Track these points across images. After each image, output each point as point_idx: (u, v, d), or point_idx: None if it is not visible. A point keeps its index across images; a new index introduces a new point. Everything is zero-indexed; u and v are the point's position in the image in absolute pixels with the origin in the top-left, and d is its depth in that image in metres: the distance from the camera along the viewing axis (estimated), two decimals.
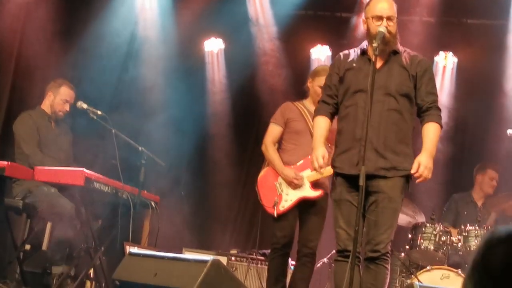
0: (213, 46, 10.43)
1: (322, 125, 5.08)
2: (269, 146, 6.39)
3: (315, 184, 6.21)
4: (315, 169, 5.00)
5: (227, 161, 10.18)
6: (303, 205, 6.22)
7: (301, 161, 6.25)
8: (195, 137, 9.84)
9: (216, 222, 10.23)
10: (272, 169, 6.34)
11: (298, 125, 6.35)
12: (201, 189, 10.22)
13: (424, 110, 4.93)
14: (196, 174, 10.25)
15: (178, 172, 9.77)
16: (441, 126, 4.96)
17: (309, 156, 6.20)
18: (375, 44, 4.63)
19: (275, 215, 6.16)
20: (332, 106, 5.08)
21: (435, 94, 4.98)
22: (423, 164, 4.73)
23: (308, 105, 6.43)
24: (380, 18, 4.81)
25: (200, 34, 10.18)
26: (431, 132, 4.89)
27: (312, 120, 6.25)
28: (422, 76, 4.93)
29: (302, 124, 6.34)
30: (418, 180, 4.80)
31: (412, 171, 4.75)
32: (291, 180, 6.17)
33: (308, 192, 6.20)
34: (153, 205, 7.12)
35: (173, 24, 9.62)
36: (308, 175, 6.20)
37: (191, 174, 10.22)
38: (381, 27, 4.74)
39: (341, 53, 5.15)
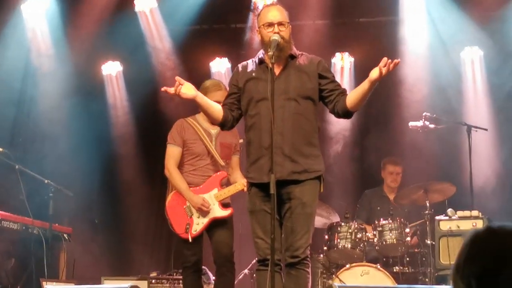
0: (111, 69, 10.31)
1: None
2: (172, 170, 6.27)
3: (223, 203, 6.23)
4: None
5: (138, 182, 10.08)
6: (212, 223, 6.21)
7: (206, 182, 6.24)
8: (102, 162, 9.71)
9: (134, 245, 10.11)
10: (179, 193, 6.28)
11: (196, 147, 6.25)
12: (115, 213, 10.08)
13: (340, 92, 4.96)
14: (108, 199, 10.10)
15: (89, 199, 9.61)
16: None
17: (214, 176, 6.22)
18: (270, 53, 4.68)
19: (190, 239, 6.10)
20: (230, 109, 5.08)
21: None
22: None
23: (202, 121, 6.35)
24: (271, 24, 4.87)
25: (96, 59, 10.06)
26: None
27: (208, 137, 6.25)
28: (326, 75, 5.01)
29: (200, 145, 6.25)
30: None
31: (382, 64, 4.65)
32: (199, 207, 6.14)
33: (219, 212, 6.18)
34: (66, 237, 7.00)
35: (68, 51, 9.46)
36: (216, 194, 6.19)
37: (103, 199, 10.07)
38: (274, 35, 4.79)
39: (239, 65, 5.18)
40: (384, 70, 4.63)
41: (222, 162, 6.27)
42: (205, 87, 6.22)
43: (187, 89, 4.88)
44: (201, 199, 6.13)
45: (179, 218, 6.19)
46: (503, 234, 2.01)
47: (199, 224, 6.14)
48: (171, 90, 4.85)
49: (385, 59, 4.65)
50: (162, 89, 4.95)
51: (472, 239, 2.04)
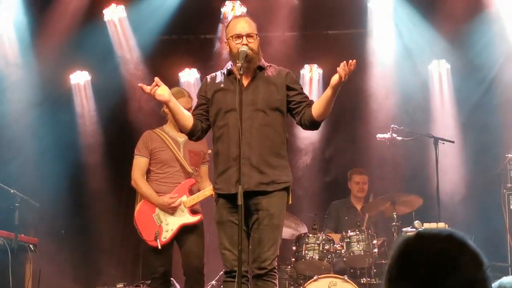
0: (79, 78, 10.23)
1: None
2: (138, 180, 6.30)
3: (193, 210, 6.23)
4: None
5: (105, 192, 10.00)
6: (182, 231, 6.20)
7: (175, 189, 6.24)
8: (69, 172, 9.63)
9: (100, 256, 10.03)
10: (147, 202, 6.27)
11: (163, 155, 6.29)
12: (81, 224, 9.99)
13: (307, 104, 4.97)
14: (75, 209, 10.01)
15: (55, 209, 9.51)
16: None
17: (183, 183, 6.22)
18: (238, 64, 4.70)
19: (159, 247, 6.10)
20: (200, 120, 5.08)
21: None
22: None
23: (169, 130, 6.40)
24: (239, 36, 4.90)
25: (64, 68, 9.97)
26: None
27: (176, 145, 6.26)
28: (294, 86, 5.03)
29: (167, 153, 6.29)
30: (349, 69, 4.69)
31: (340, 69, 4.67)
32: (168, 206, 6.14)
33: (188, 218, 6.20)
34: (32, 248, 6.93)
35: (36, 60, 9.37)
36: (185, 201, 6.20)
37: (69, 210, 9.96)
38: (243, 47, 4.81)
39: (208, 76, 5.19)
40: (343, 74, 4.66)
41: (190, 169, 6.29)
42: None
43: (163, 91, 4.91)
44: (167, 197, 6.16)
45: (148, 226, 6.19)
46: (435, 239, 1.91)
47: (168, 231, 6.15)
48: (147, 88, 4.87)
49: (343, 63, 4.69)
50: (139, 84, 4.99)
51: (402, 248, 1.93)
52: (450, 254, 1.87)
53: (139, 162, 6.33)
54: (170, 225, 6.16)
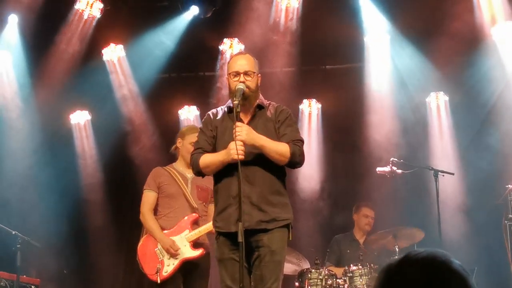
0: (79, 118, 10.29)
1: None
2: (146, 214, 6.36)
3: (195, 244, 6.23)
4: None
5: (106, 230, 9.99)
6: (186, 268, 6.21)
7: (178, 224, 6.27)
8: (70, 211, 9.64)
9: None
10: (151, 236, 6.29)
11: (170, 189, 6.35)
12: (83, 263, 9.97)
13: (287, 140, 4.92)
14: (77, 249, 10.00)
15: (57, 250, 9.50)
16: (294, 156, 4.87)
17: (185, 218, 6.25)
18: (235, 101, 4.72)
19: (159, 281, 6.10)
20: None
21: (298, 135, 5.01)
22: (245, 128, 4.74)
23: (178, 166, 6.52)
24: (237, 74, 4.92)
25: (64, 107, 10.03)
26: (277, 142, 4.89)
27: (183, 180, 6.29)
28: (283, 122, 5.01)
29: (174, 187, 6.36)
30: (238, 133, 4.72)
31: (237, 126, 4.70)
32: (167, 248, 6.15)
33: (190, 252, 6.21)
34: None
35: (35, 101, 9.42)
36: (187, 235, 6.22)
37: (72, 249, 9.96)
38: (240, 84, 4.83)
39: (209, 112, 5.20)
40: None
41: (195, 204, 6.33)
42: (182, 132, 6.55)
43: None
44: (171, 241, 6.17)
45: (150, 260, 6.23)
46: (420, 264, 1.84)
47: (169, 265, 6.16)
48: None
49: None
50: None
51: (385, 275, 1.86)
52: (436, 281, 1.80)
53: (148, 196, 6.42)
54: (172, 259, 6.18)
